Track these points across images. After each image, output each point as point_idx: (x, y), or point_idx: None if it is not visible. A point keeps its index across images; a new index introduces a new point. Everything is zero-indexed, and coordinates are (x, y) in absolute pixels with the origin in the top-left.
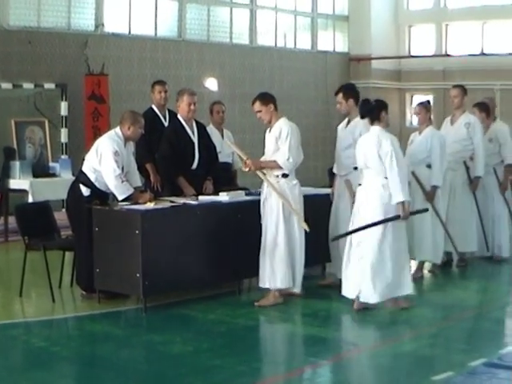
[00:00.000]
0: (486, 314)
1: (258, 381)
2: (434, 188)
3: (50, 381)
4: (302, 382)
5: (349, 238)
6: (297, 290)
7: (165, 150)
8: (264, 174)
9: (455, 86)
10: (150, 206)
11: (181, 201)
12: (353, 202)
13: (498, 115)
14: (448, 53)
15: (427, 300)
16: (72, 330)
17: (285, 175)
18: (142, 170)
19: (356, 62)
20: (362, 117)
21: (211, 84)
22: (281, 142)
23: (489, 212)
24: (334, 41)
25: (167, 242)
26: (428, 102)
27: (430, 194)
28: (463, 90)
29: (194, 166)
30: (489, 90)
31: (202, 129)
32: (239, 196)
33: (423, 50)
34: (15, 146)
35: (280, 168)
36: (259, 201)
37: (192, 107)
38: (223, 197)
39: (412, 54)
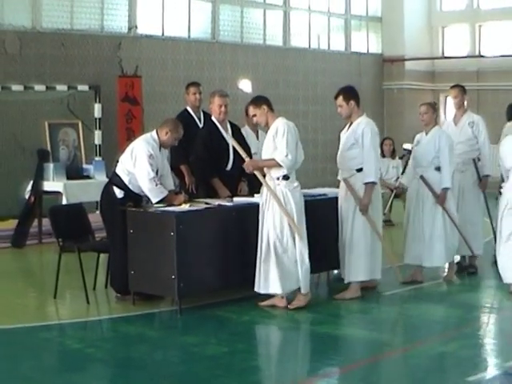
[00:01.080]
0: None
1: (293, 382)
2: (445, 190)
3: (84, 382)
4: (337, 383)
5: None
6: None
7: (199, 152)
8: (264, 177)
9: (454, 86)
10: (185, 207)
11: (215, 202)
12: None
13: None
14: (481, 53)
15: (460, 300)
16: (106, 331)
17: (286, 177)
18: (176, 171)
19: (389, 63)
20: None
21: (245, 86)
22: (278, 140)
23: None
24: (367, 42)
25: (202, 244)
26: (434, 102)
27: (441, 197)
28: (463, 89)
29: (229, 167)
30: None
31: (236, 130)
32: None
33: (456, 50)
34: (49, 148)
35: (279, 166)
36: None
37: (223, 109)
38: (258, 198)
39: (445, 54)
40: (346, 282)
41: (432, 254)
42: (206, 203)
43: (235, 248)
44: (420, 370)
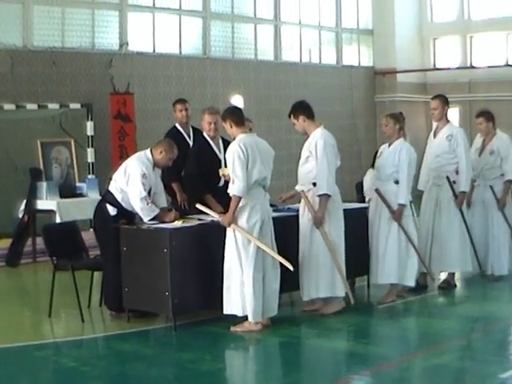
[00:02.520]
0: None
1: None
2: (401, 207)
3: None
4: None
5: None
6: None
7: (191, 168)
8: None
9: (434, 97)
10: (178, 224)
11: (208, 218)
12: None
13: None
14: (473, 64)
15: (454, 312)
16: (102, 349)
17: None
18: (168, 189)
19: (381, 76)
20: None
21: (237, 101)
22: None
23: (489, 229)
24: (358, 55)
25: (195, 260)
26: (400, 113)
27: (397, 213)
28: (443, 100)
29: (221, 183)
30: None
31: (227, 146)
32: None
33: (448, 62)
34: (42, 167)
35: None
36: (287, 216)
37: (212, 126)
38: None
39: (437, 66)
40: (304, 299)
41: (382, 270)
42: (199, 219)
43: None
44: (415, 382)
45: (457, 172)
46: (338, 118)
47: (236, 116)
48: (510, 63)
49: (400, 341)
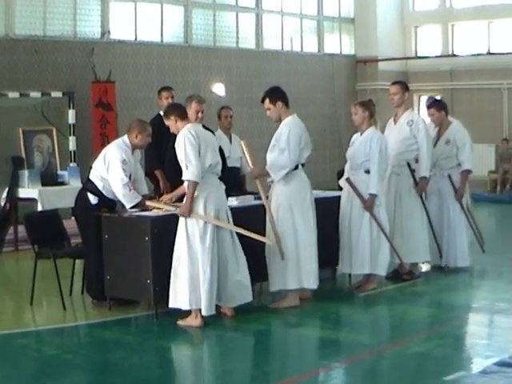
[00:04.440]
0: (493, 313)
1: None
2: (372, 196)
3: None
4: None
5: None
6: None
7: (174, 156)
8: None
9: (394, 83)
10: (160, 212)
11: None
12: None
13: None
14: (454, 53)
15: (436, 300)
16: (83, 337)
17: None
18: (151, 176)
19: (363, 64)
20: None
21: (218, 89)
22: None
23: (444, 219)
24: (340, 43)
25: None
26: (370, 100)
27: (368, 203)
28: (403, 86)
29: None
30: (496, 90)
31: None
32: (248, 200)
33: (430, 50)
34: (23, 155)
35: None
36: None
37: (200, 114)
38: (232, 201)
39: (418, 54)
40: (271, 290)
41: (356, 260)
42: (178, 207)
43: None
44: (397, 370)
45: (416, 160)
46: (319, 106)
47: (180, 110)
48: (491, 52)
49: (381, 329)
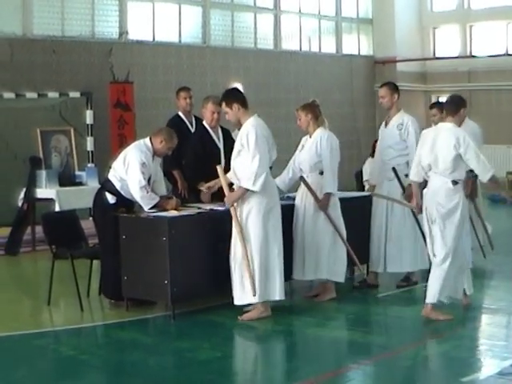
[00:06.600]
0: (511, 314)
1: None
2: (328, 195)
3: None
4: None
5: None
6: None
7: (191, 157)
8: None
9: (382, 85)
10: (177, 212)
11: (207, 207)
12: None
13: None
14: (473, 54)
15: (453, 301)
16: (100, 338)
17: None
18: (169, 176)
19: (381, 65)
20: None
21: None
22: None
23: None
24: (358, 44)
25: (194, 249)
26: (313, 101)
27: (323, 202)
28: (391, 87)
29: None
30: None
31: (227, 135)
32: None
33: (448, 51)
34: (41, 156)
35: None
36: (287, 205)
37: (215, 115)
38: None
39: (437, 55)
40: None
41: (309, 265)
42: (199, 208)
43: (227, 252)
44: (414, 371)
45: (408, 163)
46: (337, 107)
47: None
48: (510, 52)
49: (398, 330)
